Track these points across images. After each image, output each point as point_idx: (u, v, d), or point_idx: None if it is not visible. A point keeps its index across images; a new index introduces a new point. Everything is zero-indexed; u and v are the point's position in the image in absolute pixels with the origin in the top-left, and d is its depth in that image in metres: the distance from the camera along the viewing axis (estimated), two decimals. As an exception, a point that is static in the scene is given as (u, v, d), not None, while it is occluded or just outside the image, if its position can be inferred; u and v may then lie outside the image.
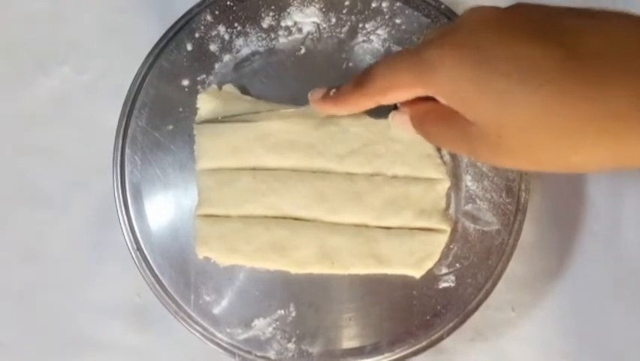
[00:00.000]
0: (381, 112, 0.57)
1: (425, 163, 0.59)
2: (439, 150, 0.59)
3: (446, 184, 0.59)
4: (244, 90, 0.62)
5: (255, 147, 0.60)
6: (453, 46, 0.43)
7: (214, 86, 0.62)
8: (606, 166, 0.43)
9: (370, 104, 0.51)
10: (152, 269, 0.60)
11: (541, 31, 0.41)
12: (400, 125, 0.57)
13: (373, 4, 0.61)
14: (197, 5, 0.62)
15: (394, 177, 0.59)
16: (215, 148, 0.60)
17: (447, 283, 0.59)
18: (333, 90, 0.54)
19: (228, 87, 0.61)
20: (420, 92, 0.46)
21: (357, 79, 0.51)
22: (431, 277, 0.59)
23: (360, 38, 0.62)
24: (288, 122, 0.60)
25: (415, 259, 0.58)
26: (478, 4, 0.63)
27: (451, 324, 0.58)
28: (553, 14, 0.43)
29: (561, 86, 0.40)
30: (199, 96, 0.61)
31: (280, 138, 0.60)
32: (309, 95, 0.56)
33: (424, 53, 0.44)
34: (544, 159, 0.43)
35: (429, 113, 0.50)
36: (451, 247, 0.59)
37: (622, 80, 0.39)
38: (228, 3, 0.62)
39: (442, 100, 0.45)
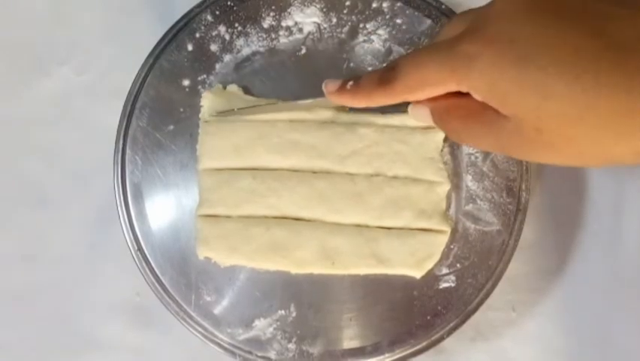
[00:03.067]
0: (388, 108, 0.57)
1: (426, 166, 0.59)
2: (441, 153, 0.60)
3: (446, 187, 0.59)
4: (246, 90, 0.62)
5: (257, 146, 0.60)
6: (487, 40, 0.42)
7: (219, 85, 0.62)
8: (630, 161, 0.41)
9: (395, 100, 0.49)
10: (153, 269, 0.60)
11: (576, 20, 0.40)
12: (420, 119, 0.52)
13: (374, 5, 0.61)
14: (198, 5, 0.62)
15: (395, 177, 0.59)
16: (217, 147, 0.60)
17: (447, 283, 0.59)
18: (351, 83, 0.51)
19: (232, 87, 0.61)
20: (452, 87, 0.44)
21: (381, 75, 0.49)
22: (432, 277, 0.59)
23: (360, 38, 0.62)
24: (292, 121, 0.60)
25: (415, 259, 0.58)
26: (479, 5, 0.64)
27: (451, 324, 0.58)
28: (588, 0, 0.42)
29: (600, 77, 0.39)
30: (203, 94, 0.61)
31: (283, 137, 0.60)
32: (323, 85, 0.53)
33: (457, 47, 0.43)
34: (586, 151, 0.41)
35: (453, 109, 0.47)
36: (452, 247, 0.59)
37: None
38: (229, 3, 0.62)
39: (476, 96, 0.43)
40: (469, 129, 0.47)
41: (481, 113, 0.44)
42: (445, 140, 0.60)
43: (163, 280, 0.60)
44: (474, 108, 0.45)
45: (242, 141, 0.60)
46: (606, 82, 0.39)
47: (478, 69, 0.42)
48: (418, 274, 0.58)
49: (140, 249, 0.60)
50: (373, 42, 0.62)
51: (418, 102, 0.49)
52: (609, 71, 0.39)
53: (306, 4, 0.62)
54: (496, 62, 0.41)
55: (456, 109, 0.47)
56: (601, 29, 0.40)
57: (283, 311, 0.59)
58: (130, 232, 0.60)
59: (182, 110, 0.61)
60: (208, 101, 0.60)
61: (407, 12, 0.61)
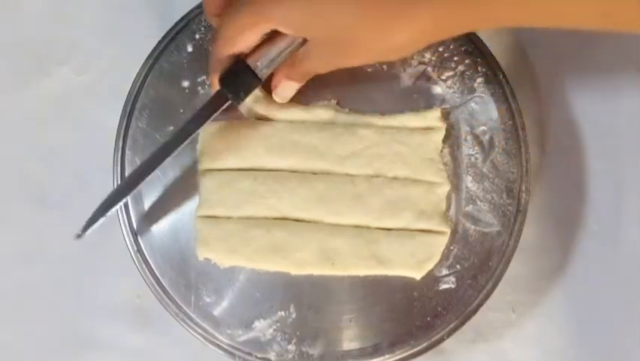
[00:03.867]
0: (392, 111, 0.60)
1: (426, 166, 0.59)
2: (440, 154, 0.60)
3: (446, 188, 0.59)
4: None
5: (257, 146, 0.60)
6: None
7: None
8: (429, 35, 0.51)
9: (225, 52, 0.54)
10: (153, 270, 0.60)
11: None
12: (289, 91, 0.59)
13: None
14: (198, 6, 0.62)
15: (394, 178, 0.59)
16: (218, 148, 0.60)
17: (447, 284, 0.59)
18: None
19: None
20: (264, 28, 0.52)
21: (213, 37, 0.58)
22: (431, 278, 0.59)
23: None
24: (292, 122, 0.60)
25: (415, 260, 0.58)
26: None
27: (451, 325, 0.58)
28: None
29: None
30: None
31: (283, 138, 0.60)
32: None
33: None
34: (374, 47, 0.52)
35: (293, 64, 0.56)
36: (452, 248, 0.59)
37: None
38: (229, 4, 0.62)
39: (284, 30, 0.52)
40: (303, 65, 0.55)
41: (302, 53, 0.54)
42: (444, 140, 0.60)
43: (162, 281, 0.60)
44: (299, 54, 0.55)
45: (243, 141, 0.60)
46: None
47: (283, 8, 0.51)
48: (417, 275, 0.58)
49: (139, 250, 0.60)
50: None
51: (279, 82, 0.58)
52: None
53: (305, 4, 0.62)
54: (292, 1, 0.51)
55: (292, 61, 0.55)
56: None
57: (283, 312, 0.59)
58: (129, 232, 0.60)
59: (181, 111, 0.61)
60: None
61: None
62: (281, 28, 0.52)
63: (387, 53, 0.53)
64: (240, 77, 0.55)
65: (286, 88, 0.58)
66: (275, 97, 0.59)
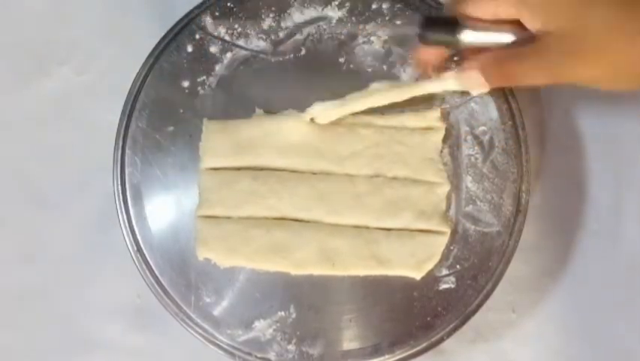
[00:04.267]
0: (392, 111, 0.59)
1: (426, 166, 0.59)
2: (440, 154, 0.60)
3: (446, 188, 0.59)
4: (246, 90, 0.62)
5: (258, 146, 0.60)
6: None
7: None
8: None
9: (457, 10, 0.52)
10: (152, 270, 0.60)
11: None
12: (470, 82, 0.54)
13: (374, 6, 0.61)
14: (198, 6, 0.62)
15: (394, 178, 0.59)
16: (220, 146, 0.60)
17: (447, 284, 0.59)
18: None
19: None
20: (504, 6, 0.50)
21: None
22: (431, 278, 0.59)
23: (360, 40, 0.61)
24: (295, 121, 0.60)
25: (415, 260, 0.58)
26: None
27: (451, 325, 0.58)
28: None
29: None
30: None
31: (285, 137, 0.60)
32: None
33: None
34: (618, 62, 0.49)
35: (500, 57, 0.52)
36: (452, 248, 0.59)
37: None
38: (229, 4, 0.62)
39: (526, 13, 0.49)
40: (523, 65, 0.51)
41: (526, 49, 0.50)
42: (444, 140, 0.60)
43: (162, 281, 0.60)
44: (517, 49, 0.51)
45: (244, 139, 0.60)
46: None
47: None
48: (417, 275, 0.58)
49: (139, 250, 0.60)
50: (373, 43, 0.61)
51: (465, 68, 0.54)
52: None
53: (305, 5, 0.62)
54: None
55: (503, 55, 0.52)
56: None
57: (283, 312, 0.59)
58: (129, 232, 0.60)
59: (181, 111, 0.61)
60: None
61: (407, 13, 0.61)
62: (526, 13, 0.50)
63: (629, 74, 0.50)
64: (444, 23, 0.52)
65: (474, 79, 0.54)
66: (444, 79, 0.56)
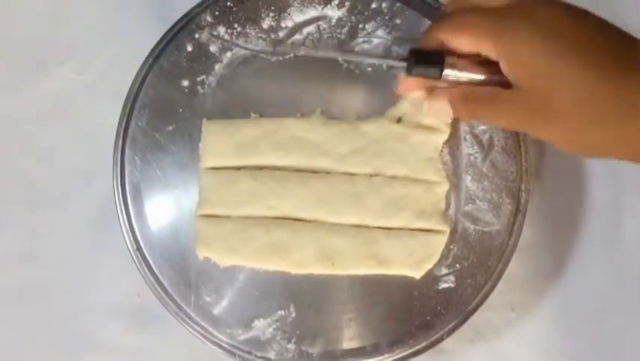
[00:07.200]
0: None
1: (426, 166, 0.59)
2: (440, 153, 0.60)
3: (445, 187, 0.59)
4: (246, 90, 0.62)
5: (260, 143, 0.60)
6: (533, 24, 0.49)
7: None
8: (615, 151, 0.50)
9: (438, 38, 0.53)
10: (152, 269, 0.60)
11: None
12: (437, 110, 0.56)
13: (373, 5, 0.61)
14: (198, 6, 0.62)
15: (394, 177, 0.59)
16: (220, 145, 0.60)
17: (447, 283, 0.59)
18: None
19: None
20: (484, 48, 0.50)
21: (437, 19, 0.56)
22: (431, 277, 0.59)
23: (360, 39, 0.62)
24: (297, 119, 0.60)
25: (414, 259, 0.58)
26: (478, 5, 0.64)
27: (451, 325, 0.58)
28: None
29: (610, 72, 0.47)
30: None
31: (287, 134, 0.60)
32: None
33: (506, 19, 0.50)
34: (582, 127, 0.48)
35: (471, 95, 0.53)
36: (451, 247, 0.59)
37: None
38: (228, 4, 0.62)
39: (503, 62, 0.50)
40: (486, 107, 0.52)
41: (494, 94, 0.51)
42: (445, 140, 0.60)
43: (162, 280, 0.60)
44: (489, 91, 0.52)
45: (246, 138, 0.60)
46: (615, 77, 0.47)
47: (517, 38, 0.49)
48: (417, 274, 0.58)
49: (139, 249, 0.60)
50: (372, 43, 0.62)
51: (436, 97, 0.55)
52: (617, 71, 0.47)
53: (305, 4, 0.62)
54: (533, 37, 0.48)
55: (474, 94, 0.53)
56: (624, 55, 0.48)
57: (283, 312, 0.59)
58: (129, 232, 0.60)
59: (181, 110, 0.61)
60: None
61: (406, 12, 0.61)
62: (503, 62, 0.50)
63: (587, 142, 0.50)
64: (429, 57, 0.53)
65: (441, 108, 0.56)
66: (416, 103, 0.58)
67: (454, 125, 0.60)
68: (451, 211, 0.60)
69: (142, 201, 0.61)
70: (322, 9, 0.62)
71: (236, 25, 0.62)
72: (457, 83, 0.54)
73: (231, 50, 0.62)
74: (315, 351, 0.59)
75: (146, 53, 0.62)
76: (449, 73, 0.52)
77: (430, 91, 0.56)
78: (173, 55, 0.62)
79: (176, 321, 0.60)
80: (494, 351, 0.64)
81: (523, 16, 0.49)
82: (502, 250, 0.59)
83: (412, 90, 0.58)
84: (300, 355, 0.59)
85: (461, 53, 0.52)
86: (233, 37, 0.62)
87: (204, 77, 0.62)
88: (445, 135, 0.60)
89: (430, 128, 0.60)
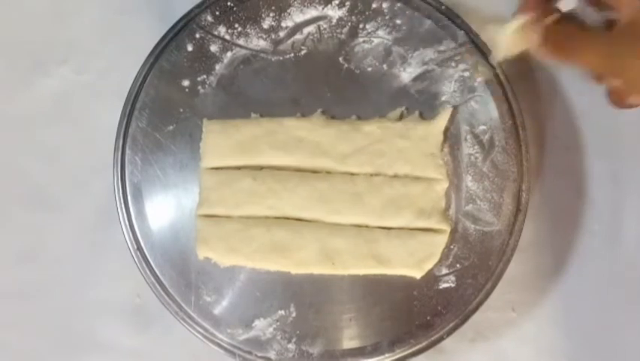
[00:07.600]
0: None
1: (427, 162, 0.59)
2: (441, 151, 0.60)
3: (445, 184, 0.59)
4: (246, 90, 0.62)
5: (261, 143, 0.60)
6: None
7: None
8: None
9: None
10: (153, 269, 0.60)
11: None
12: (533, 35, 0.54)
13: (374, 5, 0.61)
14: (198, 6, 0.62)
15: (394, 176, 0.59)
16: (221, 145, 0.60)
17: (447, 283, 0.59)
18: None
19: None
20: None
21: None
22: (431, 277, 0.59)
23: (360, 39, 0.62)
24: (298, 119, 0.60)
25: (415, 259, 0.58)
26: (478, 5, 0.64)
27: (451, 324, 0.59)
28: None
29: None
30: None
31: (288, 134, 0.60)
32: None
33: None
34: None
35: (565, 35, 0.53)
36: (452, 247, 0.59)
37: None
38: (229, 4, 0.62)
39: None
40: (587, 44, 0.53)
41: (589, 31, 0.54)
42: (445, 139, 0.60)
43: (163, 280, 0.60)
44: (581, 30, 0.53)
45: (246, 138, 0.60)
46: None
47: None
48: (417, 274, 0.58)
49: (139, 249, 0.60)
50: (373, 42, 0.62)
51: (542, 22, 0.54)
52: None
53: (305, 4, 0.62)
54: None
55: (569, 32, 0.53)
56: None
57: (283, 311, 0.59)
58: (129, 232, 0.60)
59: (181, 110, 0.61)
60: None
61: (407, 12, 0.61)
62: None
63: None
64: None
65: (534, 34, 0.54)
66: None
67: (453, 123, 0.60)
68: (452, 211, 0.60)
69: (142, 201, 0.61)
70: (323, 9, 0.62)
71: (236, 25, 0.62)
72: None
73: (232, 49, 0.62)
74: (316, 351, 0.59)
75: (147, 53, 0.62)
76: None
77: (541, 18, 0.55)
78: (174, 55, 0.62)
79: (176, 321, 0.60)
80: (494, 351, 0.64)
81: None
82: (502, 249, 0.59)
83: (530, 10, 0.55)
84: (300, 355, 0.59)
85: None
86: (234, 37, 0.62)
87: (205, 76, 0.62)
88: (442, 123, 0.60)
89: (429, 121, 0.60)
